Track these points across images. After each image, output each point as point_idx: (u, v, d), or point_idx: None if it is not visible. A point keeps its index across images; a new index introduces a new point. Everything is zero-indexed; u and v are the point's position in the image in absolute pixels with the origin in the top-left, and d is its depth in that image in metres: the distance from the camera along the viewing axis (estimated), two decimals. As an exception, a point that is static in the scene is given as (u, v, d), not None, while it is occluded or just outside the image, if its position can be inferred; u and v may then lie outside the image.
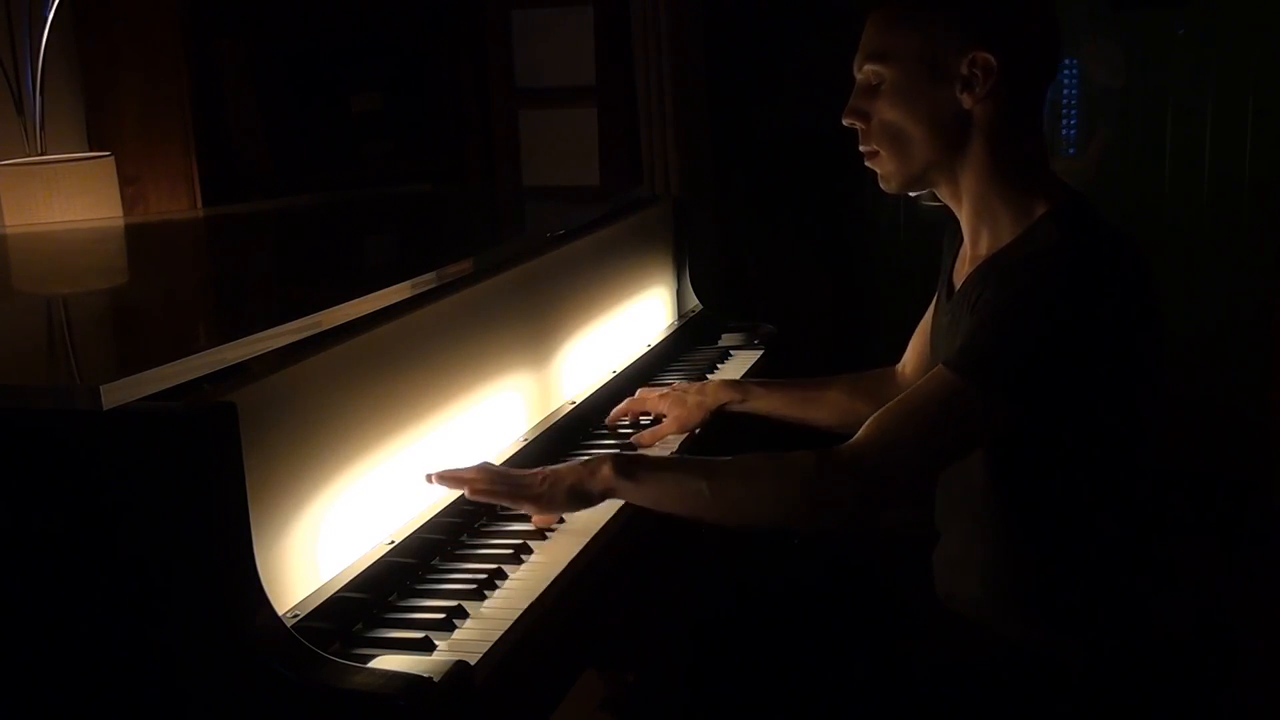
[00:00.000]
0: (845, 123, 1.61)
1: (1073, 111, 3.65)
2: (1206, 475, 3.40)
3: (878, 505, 1.48)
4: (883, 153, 1.59)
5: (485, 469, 1.59)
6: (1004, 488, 1.55)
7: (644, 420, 2.00)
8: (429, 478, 1.56)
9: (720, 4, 3.71)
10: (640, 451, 1.86)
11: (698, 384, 2.02)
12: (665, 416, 1.96)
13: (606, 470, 1.54)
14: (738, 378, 2.19)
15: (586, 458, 1.61)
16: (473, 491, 1.55)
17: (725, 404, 1.98)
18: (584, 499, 1.56)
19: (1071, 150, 3.67)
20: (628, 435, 1.94)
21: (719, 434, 1.99)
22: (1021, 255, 1.51)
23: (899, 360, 1.96)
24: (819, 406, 1.95)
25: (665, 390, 2.00)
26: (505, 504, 1.58)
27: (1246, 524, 3.37)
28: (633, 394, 2.02)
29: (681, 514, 1.55)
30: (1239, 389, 3.54)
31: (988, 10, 1.53)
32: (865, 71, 1.58)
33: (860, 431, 1.49)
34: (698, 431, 1.96)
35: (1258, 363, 3.50)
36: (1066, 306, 1.44)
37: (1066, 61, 3.56)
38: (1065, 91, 3.64)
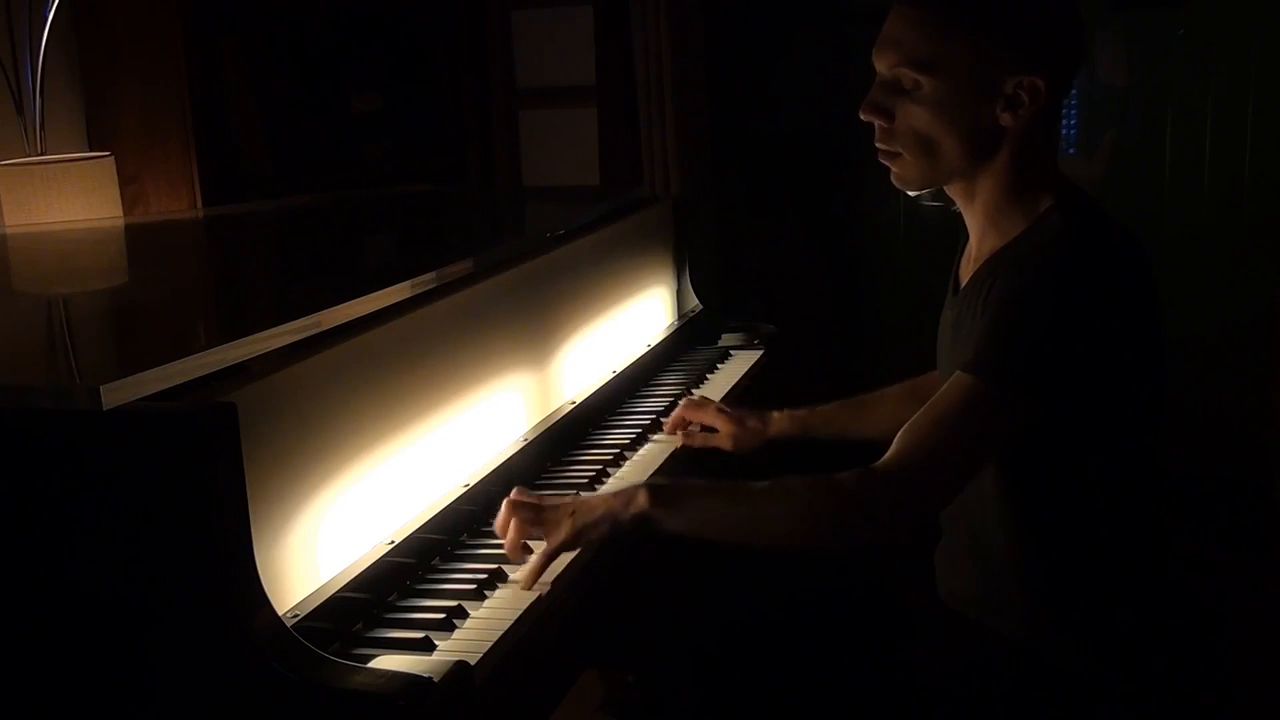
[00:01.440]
0: (864, 118, 1.54)
1: (1073, 112, 3.64)
2: (1207, 477, 3.39)
3: (917, 517, 1.47)
4: (907, 156, 1.53)
5: (511, 502, 1.53)
6: (1007, 487, 1.55)
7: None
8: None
9: (720, 4, 3.70)
10: (668, 480, 1.77)
11: (761, 412, 1.97)
12: (716, 429, 1.95)
13: (642, 499, 1.49)
14: (797, 410, 2.01)
15: (617, 488, 1.58)
16: (501, 531, 1.52)
17: (781, 434, 1.95)
18: (617, 529, 1.51)
19: (1072, 150, 3.67)
20: (629, 439, 1.94)
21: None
22: (1028, 247, 1.50)
23: (906, 365, 1.95)
24: (875, 417, 1.90)
25: (725, 408, 1.97)
26: (535, 538, 1.52)
27: (1248, 526, 3.36)
28: (633, 394, 2.01)
29: (721, 540, 1.51)
30: (1240, 390, 3.53)
31: (1044, 33, 1.49)
32: (899, 73, 1.50)
33: (892, 446, 1.47)
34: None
35: (1258, 364, 3.49)
36: (1075, 296, 1.43)
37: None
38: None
